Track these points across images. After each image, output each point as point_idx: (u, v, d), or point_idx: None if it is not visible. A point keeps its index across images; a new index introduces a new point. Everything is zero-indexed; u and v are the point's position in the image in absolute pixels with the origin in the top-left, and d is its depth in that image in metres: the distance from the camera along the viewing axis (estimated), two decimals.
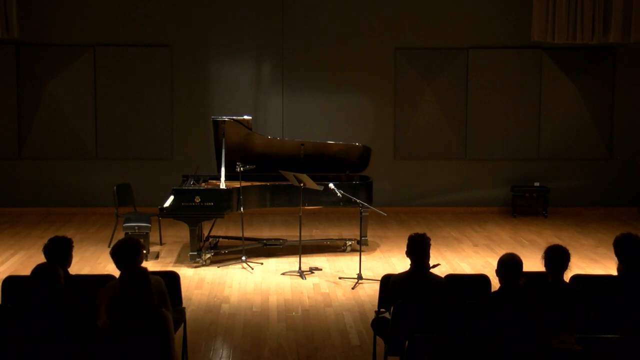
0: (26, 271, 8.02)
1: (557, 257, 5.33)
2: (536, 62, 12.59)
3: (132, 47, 12.36)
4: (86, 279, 6.18)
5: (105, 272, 7.17)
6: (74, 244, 5.75)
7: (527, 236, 10.93)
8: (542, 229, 11.37)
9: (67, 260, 5.58)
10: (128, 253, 5.30)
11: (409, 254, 5.79)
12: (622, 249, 5.52)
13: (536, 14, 11.41)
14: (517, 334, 4.64)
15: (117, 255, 5.30)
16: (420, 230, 6.01)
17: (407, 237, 5.87)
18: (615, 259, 5.60)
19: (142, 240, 8.04)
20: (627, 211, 12.45)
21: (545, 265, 5.38)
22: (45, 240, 5.65)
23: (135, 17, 12.38)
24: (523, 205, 12.53)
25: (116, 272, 5.34)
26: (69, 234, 6.65)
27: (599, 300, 5.37)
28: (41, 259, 5.60)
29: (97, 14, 12.33)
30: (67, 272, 5.54)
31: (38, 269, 5.00)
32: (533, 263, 7.81)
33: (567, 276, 5.63)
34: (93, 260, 9.38)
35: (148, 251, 9.45)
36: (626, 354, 4.82)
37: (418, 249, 5.75)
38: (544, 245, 5.47)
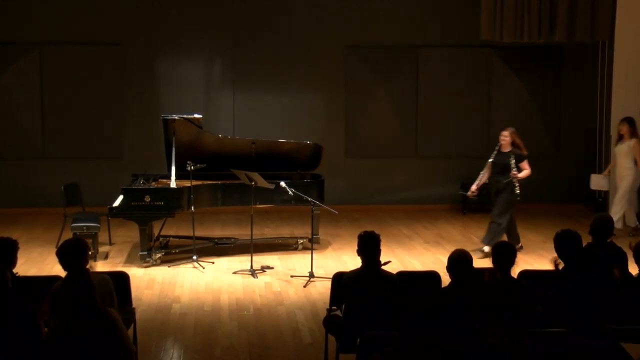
0: None
1: (504, 253, 5.40)
2: (485, 61, 12.75)
3: (80, 45, 12.17)
4: (33, 280, 6.07)
5: (53, 273, 7.03)
6: (20, 245, 5.65)
7: (476, 233, 11.04)
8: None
9: (12, 262, 5.47)
10: (73, 253, 5.24)
11: (359, 252, 5.81)
12: (562, 245, 5.64)
13: (484, 14, 11.56)
14: (459, 328, 4.69)
15: (62, 256, 5.25)
16: (372, 228, 6.03)
17: (358, 234, 5.89)
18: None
19: (90, 240, 8.00)
20: (574, 207, 12.68)
21: (493, 262, 5.45)
22: None
23: (84, 14, 12.19)
24: (473, 202, 12.66)
25: (63, 274, 5.25)
26: (14, 235, 6.52)
27: (545, 294, 5.47)
28: None
29: (44, 11, 12.11)
30: (13, 273, 5.44)
31: None
32: (483, 260, 7.90)
33: (515, 272, 5.73)
34: (40, 261, 9.22)
35: (97, 251, 9.32)
36: (571, 347, 4.91)
37: (368, 247, 5.78)
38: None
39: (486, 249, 9.35)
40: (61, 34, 12.14)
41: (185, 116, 9.53)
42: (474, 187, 9.59)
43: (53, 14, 12.13)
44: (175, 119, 9.41)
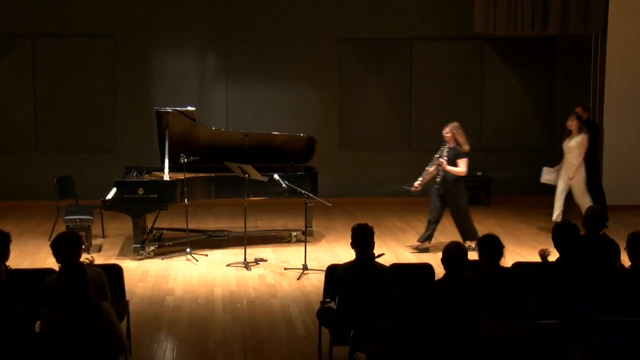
0: None
1: (489, 247, 5.38)
2: (479, 53, 12.75)
3: (73, 37, 12.13)
4: (26, 273, 6.05)
5: (46, 266, 7.02)
6: (13, 238, 5.64)
7: None
8: (484, 217, 11.53)
9: (5, 255, 5.46)
10: (66, 247, 5.24)
11: (353, 244, 5.81)
12: (560, 237, 5.64)
13: (478, 6, 11.56)
14: (455, 321, 4.70)
15: (56, 249, 5.25)
16: (365, 221, 6.04)
17: (352, 227, 5.90)
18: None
19: (84, 233, 7.98)
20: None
21: (480, 256, 5.42)
22: None
23: (76, 6, 12.14)
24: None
25: (57, 267, 5.25)
26: (7, 227, 6.49)
27: (539, 286, 5.48)
28: None
29: (36, 3, 12.06)
30: (6, 266, 5.43)
31: None
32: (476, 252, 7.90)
33: (508, 263, 5.73)
34: (33, 254, 9.19)
35: (90, 244, 9.30)
36: (565, 338, 4.93)
37: (362, 239, 5.78)
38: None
39: (423, 244, 9.21)
40: (53, 26, 12.09)
41: (178, 109, 9.51)
42: (417, 183, 9.37)
43: (45, 5, 12.07)
44: (168, 112, 9.39)
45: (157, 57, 12.44)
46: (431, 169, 9.40)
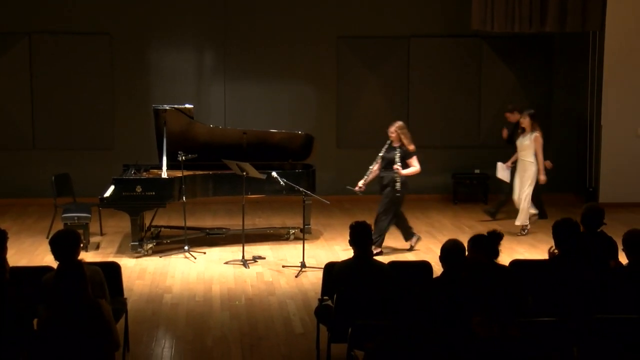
0: None
1: (484, 244, 5.39)
2: (476, 50, 12.76)
3: (70, 34, 12.11)
4: (24, 271, 6.05)
5: (44, 264, 7.02)
6: (10, 236, 5.64)
7: (468, 223, 11.09)
8: (482, 215, 11.54)
9: (2, 252, 5.45)
10: (65, 244, 5.25)
11: (351, 242, 5.82)
12: (560, 234, 5.64)
13: (476, 3, 11.56)
14: (454, 319, 4.70)
15: (55, 246, 5.26)
16: (363, 219, 6.04)
17: (350, 225, 5.90)
18: (552, 243, 5.72)
19: (82, 231, 7.98)
20: (563, 197, 12.71)
21: (470, 251, 5.42)
22: None
23: (74, 4, 12.13)
24: (464, 192, 12.71)
25: (54, 264, 5.24)
26: (4, 225, 6.49)
27: (537, 284, 5.49)
28: None
29: (34, 0, 12.03)
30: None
31: None
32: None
33: (505, 260, 5.74)
34: (31, 252, 9.18)
35: (88, 242, 9.30)
36: (563, 337, 4.93)
37: (360, 237, 5.79)
38: (484, 232, 5.54)
39: (378, 249, 8.98)
40: (51, 23, 12.07)
41: (176, 106, 9.50)
42: (361, 183, 9.19)
43: (43, 3, 12.06)
44: (166, 109, 9.38)
45: (155, 54, 12.43)
46: (375, 167, 9.21)
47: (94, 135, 12.31)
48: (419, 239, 9.41)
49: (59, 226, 8.88)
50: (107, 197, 9.04)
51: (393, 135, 9.11)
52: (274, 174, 8.99)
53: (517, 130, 10.72)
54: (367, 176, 9.26)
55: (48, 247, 5.47)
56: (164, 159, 9.25)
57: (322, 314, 5.92)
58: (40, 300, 5.03)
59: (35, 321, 4.86)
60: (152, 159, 10.13)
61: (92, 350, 4.52)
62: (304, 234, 8.99)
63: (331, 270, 6.04)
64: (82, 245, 5.62)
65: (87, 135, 12.28)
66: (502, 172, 10.59)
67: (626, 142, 12.24)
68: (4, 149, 12.19)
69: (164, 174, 9.17)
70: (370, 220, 6.03)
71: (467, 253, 5.34)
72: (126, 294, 6.47)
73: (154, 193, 9.03)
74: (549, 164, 10.39)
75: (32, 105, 12.17)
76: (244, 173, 8.90)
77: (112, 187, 9.13)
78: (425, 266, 6.32)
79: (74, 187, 10.37)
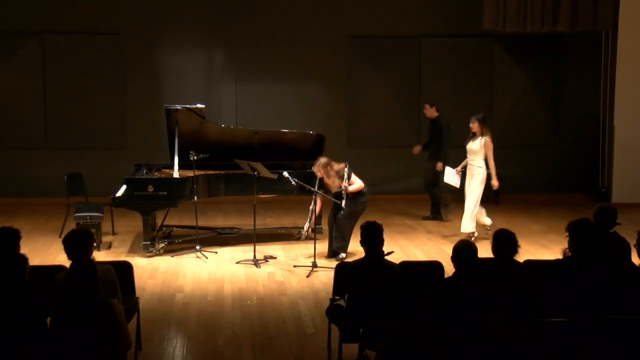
0: None
1: (503, 241, 5.41)
2: (487, 50, 12.73)
3: (82, 34, 12.17)
4: (36, 270, 6.06)
5: (57, 263, 7.05)
6: (23, 235, 5.68)
7: (479, 222, 11.04)
8: (493, 215, 11.46)
9: (15, 251, 5.48)
10: (78, 243, 5.27)
11: (362, 242, 5.81)
12: (575, 234, 5.61)
13: (487, 3, 11.54)
14: (465, 319, 4.69)
15: (68, 245, 5.29)
16: (374, 219, 6.03)
17: (361, 225, 5.90)
18: (564, 243, 5.71)
19: (94, 230, 8.01)
20: (574, 197, 12.69)
21: (493, 250, 5.46)
22: None
23: (84, 4, 12.18)
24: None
25: (67, 263, 5.27)
26: (17, 224, 6.51)
27: (549, 284, 5.47)
28: None
29: (46, 0, 12.10)
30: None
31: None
32: (485, 249, 7.89)
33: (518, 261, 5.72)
34: (43, 251, 9.23)
35: (100, 241, 9.33)
36: (574, 337, 4.92)
37: (371, 237, 5.78)
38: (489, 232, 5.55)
39: (342, 255, 8.93)
40: (63, 23, 12.13)
41: (188, 106, 9.52)
42: (306, 227, 8.95)
43: (55, 3, 12.12)
44: (178, 109, 9.41)
45: (166, 54, 12.47)
46: (317, 207, 8.98)
47: (105, 135, 12.36)
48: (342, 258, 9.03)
49: (71, 225, 8.92)
50: (119, 197, 9.07)
51: (318, 175, 8.84)
52: (285, 173, 8.99)
53: (434, 127, 10.66)
54: (310, 219, 8.96)
55: (61, 246, 5.50)
56: (176, 158, 9.27)
57: (334, 314, 5.92)
58: (53, 299, 5.05)
59: (47, 320, 4.88)
60: (163, 159, 10.16)
61: (103, 350, 4.54)
62: (315, 234, 8.99)
63: (342, 270, 6.04)
64: (94, 244, 5.64)
65: (99, 135, 12.33)
66: (450, 176, 10.20)
67: (639, 142, 12.18)
68: (16, 148, 12.25)
69: (176, 174, 9.20)
70: (381, 220, 6.01)
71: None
72: (138, 293, 6.48)
73: (165, 193, 9.05)
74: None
75: (45, 104, 12.23)
76: (255, 173, 8.91)
77: (124, 187, 9.16)
78: (436, 266, 6.31)
79: (86, 187, 10.41)
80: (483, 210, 9.89)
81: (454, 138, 12.74)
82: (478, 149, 9.70)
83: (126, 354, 4.92)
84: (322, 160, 8.90)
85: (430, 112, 10.86)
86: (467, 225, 9.77)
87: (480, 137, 9.68)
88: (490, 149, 9.69)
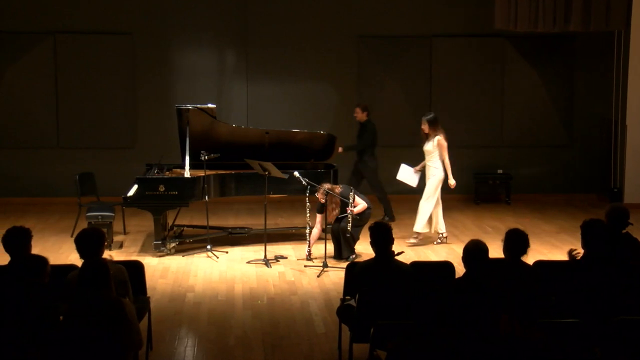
0: None
1: (516, 240, 5.41)
2: (499, 50, 12.69)
3: (93, 34, 12.20)
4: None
5: (68, 262, 7.08)
6: (34, 234, 5.69)
7: (490, 223, 11.04)
8: (504, 215, 11.49)
9: (26, 251, 5.51)
10: (90, 242, 5.30)
11: (372, 244, 5.81)
12: (588, 234, 5.59)
13: (499, 3, 11.49)
14: (475, 319, 4.69)
15: (80, 244, 5.31)
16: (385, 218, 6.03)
17: (369, 227, 5.91)
18: (576, 244, 5.68)
19: (105, 230, 8.04)
20: (586, 197, 12.64)
21: (504, 249, 5.46)
22: (4, 231, 5.56)
23: (96, 4, 12.22)
24: (486, 192, 12.66)
25: (79, 262, 5.28)
26: (28, 223, 6.55)
27: (560, 285, 5.45)
28: (1, 249, 5.54)
29: (58, 0, 12.15)
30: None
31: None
32: (496, 250, 7.87)
33: (529, 262, 5.70)
34: (55, 251, 9.26)
35: (111, 241, 9.37)
36: (586, 338, 4.90)
37: (380, 238, 5.78)
38: (501, 232, 5.54)
39: (352, 255, 8.91)
40: (75, 23, 12.17)
41: (199, 106, 9.54)
42: (308, 250, 8.94)
43: (67, 3, 12.16)
44: (189, 109, 9.43)
45: (176, 53, 12.49)
46: (317, 232, 9.02)
47: (117, 134, 12.39)
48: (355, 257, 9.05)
49: (83, 225, 8.96)
50: (130, 196, 9.09)
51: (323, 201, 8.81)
52: (296, 173, 9.00)
53: (362, 129, 10.62)
54: (310, 243, 8.98)
55: (72, 246, 5.53)
56: (187, 158, 9.29)
57: (344, 313, 5.92)
58: (64, 298, 5.07)
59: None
60: (174, 158, 10.19)
61: (114, 349, 4.55)
62: (325, 234, 8.99)
63: (353, 270, 6.04)
64: (105, 244, 5.66)
65: (111, 134, 12.37)
66: (405, 174, 10.03)
67: None
68: (28, 148, 12.30)
69: (187, 174, 9.22)
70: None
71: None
72: (149, 292, 6.50)
73: (176, 192, 9.07)
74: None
75: (56, 104, 12.27)
76: (266, 172, 8.92)
77: (135, 187, 9.19)
78: (447, 266, 6.30)
79: (98, 186, 10.44)
80: (439, 214, 9.75)
81: (481, 137, 12.75)
82: (432, 149, 9.67)
83: (137, 353, 4.95)
84: (326, 186, 8.86)
85: (361, 115, 10.82)
86: (419, 225, 9.66)
87: (433, 138, 9.63)
88: (444, 148, 9.62)
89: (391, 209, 11.04)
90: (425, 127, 9.66)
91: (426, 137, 9.72)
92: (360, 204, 8.90)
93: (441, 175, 9.68)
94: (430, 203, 9.67)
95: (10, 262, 5.44)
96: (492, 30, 11.99)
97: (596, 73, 12.78)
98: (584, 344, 4.89)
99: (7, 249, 5.46)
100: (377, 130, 10.88)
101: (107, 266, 4.72)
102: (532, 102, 12.82)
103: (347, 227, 8.74)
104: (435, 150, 9.63)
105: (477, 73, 12.70)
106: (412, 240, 9.68)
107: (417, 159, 12.61)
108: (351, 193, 8.75)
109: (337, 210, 8.84)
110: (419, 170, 10.07)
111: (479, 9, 12.38)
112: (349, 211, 8.71)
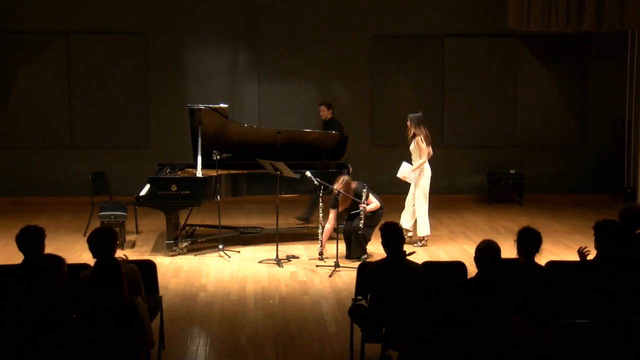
0: (0, 261, 7.95)
1: (529, 238, 5.40)
2: (511, 50, 12.65)
3: (106, 34, 12.25)
4: None
5: (81, 262, 7.11)
6: (48, 234, 5.72)
7: (502, 223, 11.00)
8: (517, 216, 11.45)
9: (40, 250, 5.53)
10: (102, 242, 5.32)
11: (383, 244, 5.81)
12: (601, 234, 5.56)
13: (511, 2, 11.44)
14: (487, 320, 4.67)
15: (93, 244, 5.33)
16: (397, 218, 6.03)
17: (380, 227, 5.91)
18: (589, 245, 5.66)
19: (118, 229, 8.07)
20: (599, 197, 12.58)
21: (518, 247, 5.45)
22: (18, 230, 5.59)
23: (110, 4, 12.27)
24: (498, 192, 12.62)
25: (92, 262, 5.31)
26: (42, 223, 6.58)
27: (573, 286, 5.43)
28: (15, 248, 5.57)
29: (71, 1, 12.20)
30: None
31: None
32: (508, 250, 7.85)
33: (542, 262, 5.69)
34: (67, 250, 9.29)
35: (124, 240, 9.39)
36: (599, 338, 4.88)
37: (391, 238, 5.78)
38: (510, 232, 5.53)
39: (364, 255, 8.90)
40: (88, 23, 12.22)
41: (211, 106, 9.56)
42: (320, 249, 8.89)
43: (81, 3, 12.21)
44: (201, 109, 9.44)
45: (189, 53, 12.52)
46: (330, 226, 8.96)
47: (129, 134, 12.43)
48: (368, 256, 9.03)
49: (95, 224, 8.99)
50: (142, 196, 9.12)
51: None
52: (308, 173, 9.00)
53: (327, 128, 10.50)
54: (322, 241, 8.95)
55: (85, 245, 5.55)
56: (199, 158, 9.31)
57: (356, 313, 5.92)
58: (77, 297, 5.09)
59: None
60: (187, 158, 10.21)
61: (126, 348, 4.57)
62: (337, 234, 8.99)
63: (364, 269, 6.04)
64: (118, 243, 5.68)
65: (123, 134, 12.41)
66: (405, 171, 9.84)
67: None
68: (41, 147, 12.36)
69: (199, 173, 9.24)
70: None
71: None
72: (161, 292, 6.52)
73: (188, 192, 9.09)
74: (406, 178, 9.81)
75: (70, 104, 12.32)
76: (278, 172, 8.92)
77: (147, 186, 9.21)
78: (459, 267, 6.28)
79: (110, 186, 10.48)
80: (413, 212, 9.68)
81: (493, 137, 12.70)
82: (413, 149, 9.65)
83: (149, 353, 4.96)
84: (345, 177, 8.87)
85: (326, 113, 10.77)
86: (423, 229, 9.58)
87: (414, 138, 9.59)
88: (422, 149, 9.55)
89: (312, 211, 10.83)
90: (408, 125, 9.65)
91: (412, 137, 9.68)
92: (373, 202, 8.90)
93: (426, 174, 9.63)
94: (424, 204, 9.63)
95: (23, 261, 5.47)
96: (504, 30, 11.94)
97: (609, 73, 12.72)
98: (597, 345, 4.87)
99: (21, 248, 5.50)
100: (343, 127, 10.78)
101: (119, 265, 4.73)
102: (545, 102, 12.77)
103: (359, 225, 8.74)
104: (416, 150, 9.62)
105: (489, 73, 12.67)
106: (420, 244, 9.62)
107: (432, 158, 12.61)
108: (364, 190, 8.75)
109: (349, 201, 8.79)
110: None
111: (492, 9, 12.34)
112: (361, 207, 8.71)
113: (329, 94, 12.60)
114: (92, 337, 4.54)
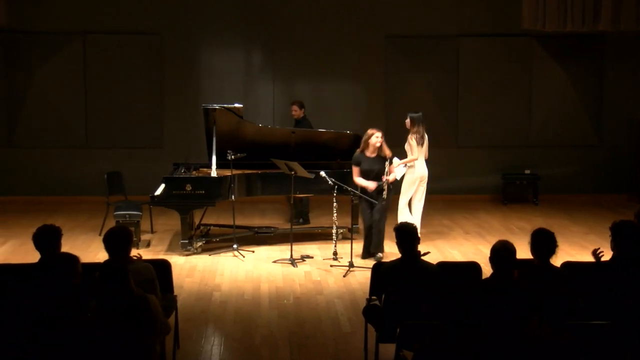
0: (17, 259, 8.00)
1: (543, 240, 5.38)
2: (527, 49, 12.61)
3: (122, 34, 12.31)
4: None
5: (97, 261, 7.14)
6: (64, 233, 5.75)
7: (517, 223, 10.96)
8: (532, 216, 11.41)
9: (56, 249, 5.57)
10: (118, 241, 5.35)
11: (398, 244, 5.80)
12: (618, 235, 5.52)
13: (527, 2, 11.41)
14: (502, 320, 4.65)
15: (108, 243, 5.37)
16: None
17: (394, 228, 5.90)
18: (605, 245, 5.63)
19: (133, 228, 8.11)
20: (615, 198, 12.52)
21: (532, 249, 5.43)
22: (34, 229, 5.63)
23: (125, 4, 12.33)
24: (513, 192, 12.58)
25: None
26: (58, 222, 6.60)
27: (589, 287, 5.40)
28: (31, 247, 5.60)
29: (87, 1, 12.27)
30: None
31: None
32: (523, 250, 7.82)
33: (557, 263, 5.66)
34: (84, 249, 9.34)
35: (139, 239, 9.43)
36: (614, 340, 4.85)
37: (405, 239, 5.77)
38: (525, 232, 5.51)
39: (380, 254, 8.90)
40: (104, 23, 12.29)
41: (226, 106, 9.58)
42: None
43: (97, 3, 12.28)
44: (216, 109, 9.47)
45: (204, 53, 12.56)
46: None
47: (144, 134, 12.49)
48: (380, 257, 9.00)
49: (111, 223, 9.03)
50: (157, 196, 9.15)
51: (379, 145, 8.84)
52: (323, 173, 9.00)
53: (300, 127, 10.43)
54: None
55: (101, 244, 5.58)
56: (214, 157, 9.33)
57: (370, 313, 5.92)
58: (92, 296, 5.11)
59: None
60: (201, 158, 10.25)
61: (140, 342, 4.58)
62: (352, 234, 8.99)
63: (379, 270, 6.03)
64: (133, 242, 5.71)
65: (139, 134, 12.47)
66: (395, 163, 9.97)
67: None
68: (57, 147, 12.44)
69: (214, 173, 9.26)
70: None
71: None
72: (176, 291, 6.54)
73: (203, 192, 9.12)
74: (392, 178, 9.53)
75: (85, 104, 12.39)
76: (293, 172, 8.93)
77: (162, 186, 9.25)
78: (474, 267, 6.27)
79: (125, 185, 10.53)
80: (406, 211, 9.64)
81: (508, 137, 12.66)
82: (406, 147, 9.63)
83: (165, 351, 4.97)
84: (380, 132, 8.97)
85: (299, 113, 10.74)
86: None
87: (408, 136, 9.61)
88: (412, 148, 9.55)
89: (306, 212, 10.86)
90: (406, 122, 9.65)
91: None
92: (394, 172, 8.92)
93: (417, 173, 9.59)
94: (421, 202, 9.61)
95: (40, 260, 5.51)
96: (519, 30, 11.92)
97: (625, 73, 12.66)
98: (613, 346, 4.84)
99: (38, 247, 5.53)
100: (313, 127, 10.76)
101: (124, 264, 4.76)
102: (561, 102, 12.72)
103: (381, 200, 8.69)
104: (408, 148, 9.60)
105: (504, 73, 12.63)
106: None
107: (442, 158, 12.62)
108: (387, 163, 8.75)
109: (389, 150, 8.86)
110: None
111: (507, 8, 12.31)
112: (384, 180, 8.71)
113: (343, 94, 12.61)
114: (107, 335, 4.56)
